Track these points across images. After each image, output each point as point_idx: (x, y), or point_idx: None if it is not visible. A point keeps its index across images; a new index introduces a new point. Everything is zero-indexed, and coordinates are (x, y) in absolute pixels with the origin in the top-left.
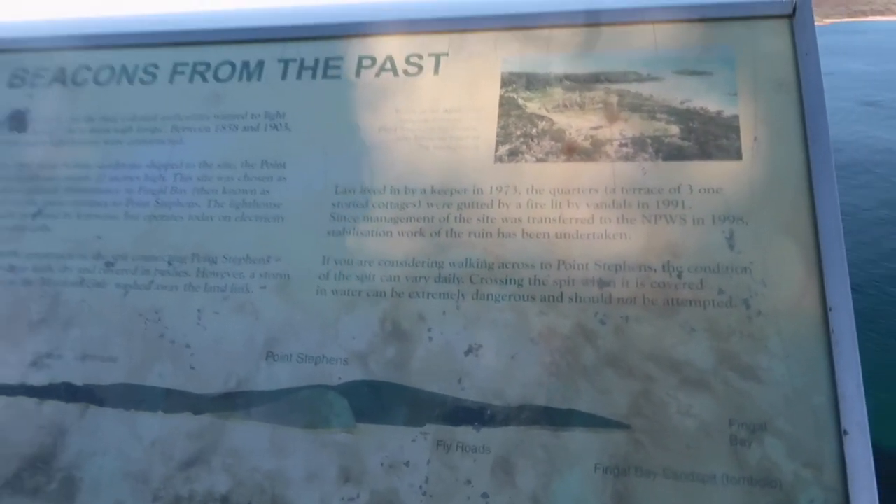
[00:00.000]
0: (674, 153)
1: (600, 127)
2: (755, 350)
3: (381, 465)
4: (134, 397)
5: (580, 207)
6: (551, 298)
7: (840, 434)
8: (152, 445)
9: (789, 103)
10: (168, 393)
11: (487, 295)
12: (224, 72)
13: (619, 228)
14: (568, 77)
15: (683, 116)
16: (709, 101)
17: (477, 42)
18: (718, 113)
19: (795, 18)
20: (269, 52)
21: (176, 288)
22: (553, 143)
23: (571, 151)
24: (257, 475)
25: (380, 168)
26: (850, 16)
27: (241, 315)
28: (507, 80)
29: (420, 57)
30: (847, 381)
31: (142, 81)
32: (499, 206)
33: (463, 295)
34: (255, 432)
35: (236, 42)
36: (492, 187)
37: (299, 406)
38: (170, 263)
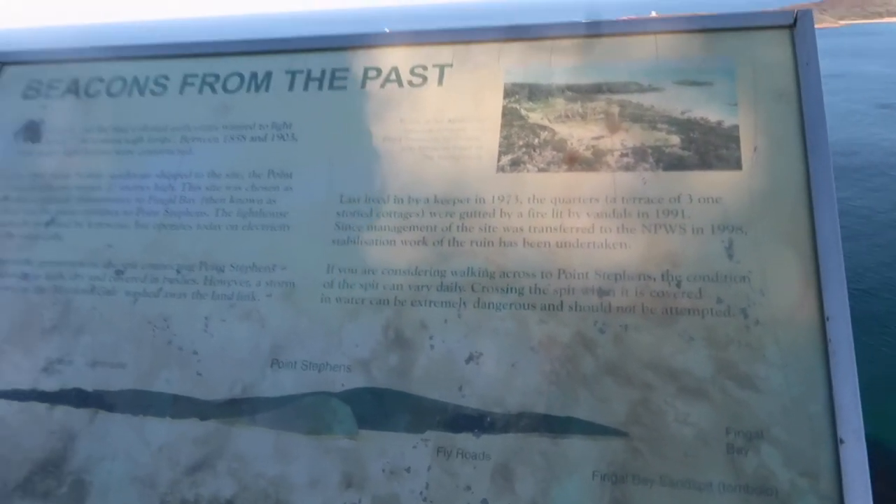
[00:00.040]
0: (674, 163)
1: (601, 137)
2: (753, 359)
3: (383, 470)
4: (142, 403)
5: (581, 217)
6: (551, 307)
7: (836, 443)
8: (160, 450)
9: (789, 114)
10: (175, 399)
11: (488, 303)
12: (233, 83)
13: (619, 238)
14: (570, 87)
15: (684, 126)
16: (709, 111)
17: (480, 53)
18: (719, 123)
19: (796, 29)
20: (277, 64)
21: (184, 296)
22: (555, 153)
23: (573, 161)
24: (262, 480)
25: (384, 178)
26: (865, 17)
27: (247, 322)
28: (510, 91)
29: (424, 68)
30: (844, 390)
31: (152, 92)
32: (500, 216)
33: (464, 303)
34: (259, 438)
35: (245, 53)
36: (494, 197)
37: (303, 412)
38: (178, 271)
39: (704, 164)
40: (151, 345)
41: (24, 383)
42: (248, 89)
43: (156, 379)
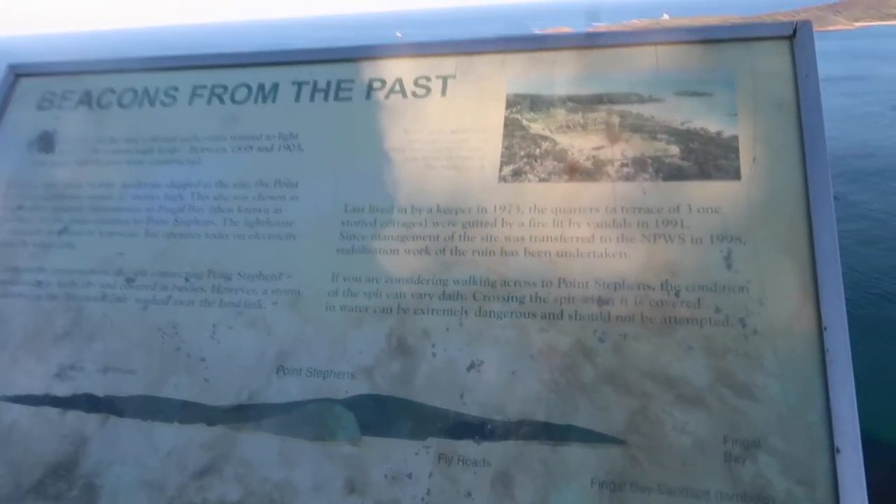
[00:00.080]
0: (674, 173)
1: (602, 147)
2: (751, 368)
3: (385, 476)
4: (151, 408)
5: (581, 226)
6: (551, 316)
7: (833, 452)
8: (168, 455)
9: (788, 124)
10: (183, 405)
11: (490, 312)
12: (240, 94)
13: (619, 247)
14: (571, 98)
15: (684, 137)
16: (709, 121)
17: (483, 64)
18: (718, 133)
19: (796, 40)
20: (284, 75)
21: (192, 303)
22: (556, 163)
23: (573, 171)
24: (267, 485)
25: (388, 188)
26: (881, 19)
27: (253, 330)
28: (512, 102)
29: (428, 79)
30: (840, 399)
31: (162, 104)
32: (502, 225)
33: (466, 312)
34: (265, 444)
35: (252, 65)
36: (495, 206)
37: (307, 419)
38: (187, 280)
39: (704, 174)
40: (160, 351)
41: (37, 389)
42: (256, 100)
43: (164, 385)
